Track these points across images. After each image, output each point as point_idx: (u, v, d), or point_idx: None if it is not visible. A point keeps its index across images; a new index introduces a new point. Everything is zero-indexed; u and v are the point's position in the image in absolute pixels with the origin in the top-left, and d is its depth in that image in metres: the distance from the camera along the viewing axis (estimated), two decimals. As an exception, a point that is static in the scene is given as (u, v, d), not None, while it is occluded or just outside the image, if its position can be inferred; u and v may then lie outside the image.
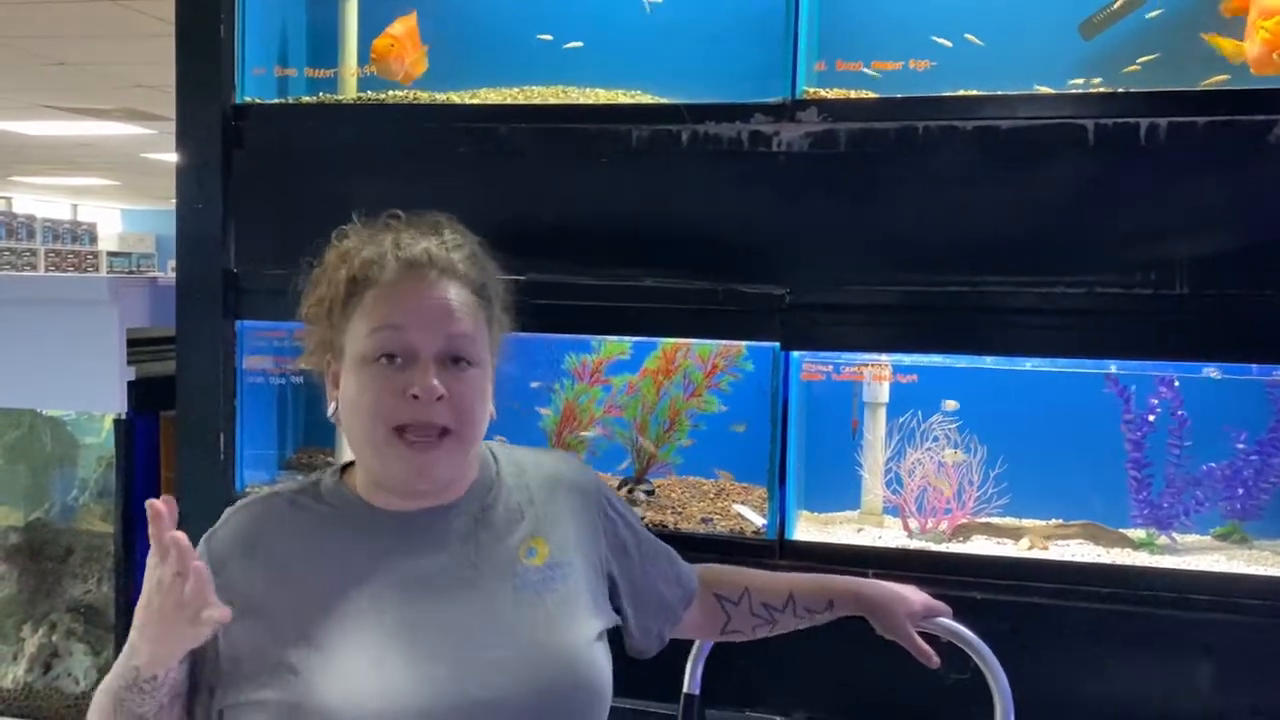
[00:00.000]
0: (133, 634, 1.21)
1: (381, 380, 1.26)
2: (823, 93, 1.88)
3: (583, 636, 1.30)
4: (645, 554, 1.46)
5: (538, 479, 1.40)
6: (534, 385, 2.16)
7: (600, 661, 1.31)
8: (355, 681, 1.20)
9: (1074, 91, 1.80)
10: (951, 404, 1.96)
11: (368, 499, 1.33)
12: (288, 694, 1.21)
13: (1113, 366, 1.89)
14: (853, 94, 1.87)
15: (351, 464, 1.38)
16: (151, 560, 1.15)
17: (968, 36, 1.93)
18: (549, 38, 2.10)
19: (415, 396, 1.24)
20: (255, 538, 1.31)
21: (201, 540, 1.31)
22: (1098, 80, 1.85)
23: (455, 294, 1.30)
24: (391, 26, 2.11)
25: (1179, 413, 1.89)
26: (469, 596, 1.28)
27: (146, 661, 1.19)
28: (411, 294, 1.29)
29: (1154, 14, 1.88)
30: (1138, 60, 1.85)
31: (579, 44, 2.09)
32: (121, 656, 1.24)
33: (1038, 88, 1.81)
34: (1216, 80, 1.78)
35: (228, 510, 1.36)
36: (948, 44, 1.91)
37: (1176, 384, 1.88)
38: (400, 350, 1.26)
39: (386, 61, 2.07)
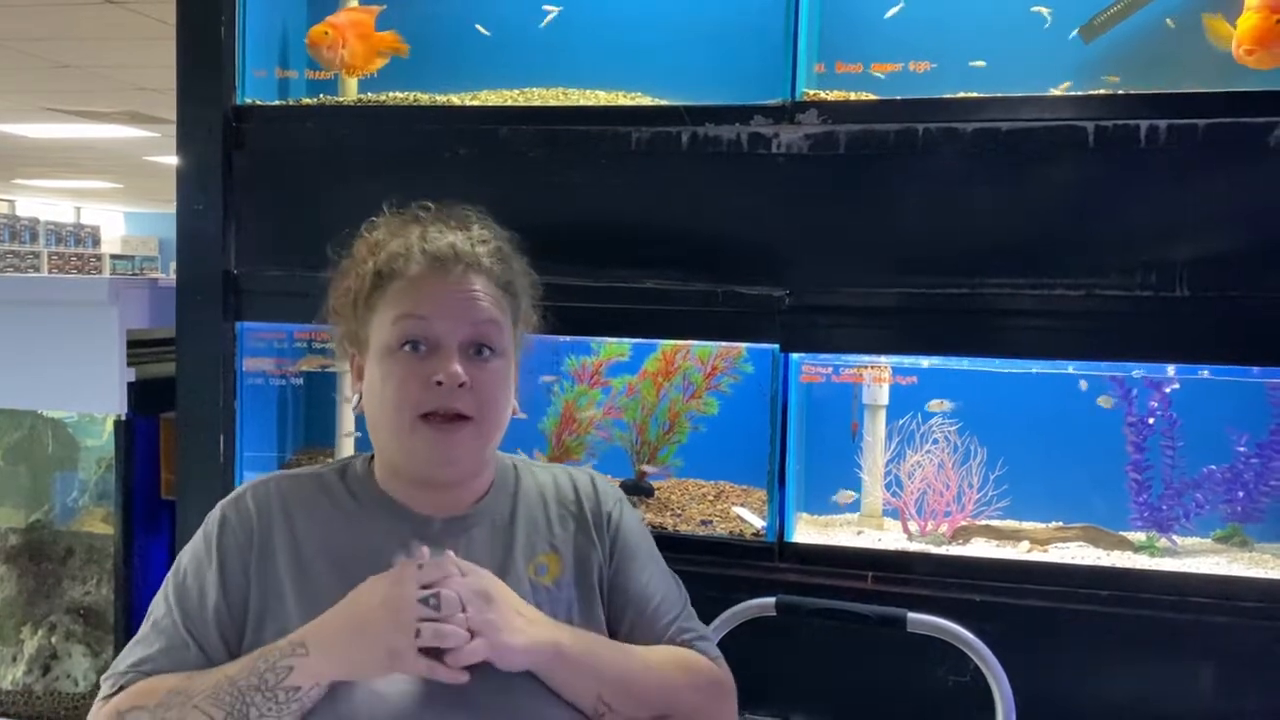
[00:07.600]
0: (303, 635, 1.19)
1: (405, 368, 1.27)
2: (822, 94, 1.87)
3: None
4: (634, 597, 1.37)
5: (555, 497, 1.39)
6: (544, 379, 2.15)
7: None
8: (374, 696, 1.19)
9: (1074, 94, 1.80)
10: (942, 404, 1.94)
11: (392, 495, 1.33)
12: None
13: (1106, 371, 1.89)
14: (852, 96, 1.87)
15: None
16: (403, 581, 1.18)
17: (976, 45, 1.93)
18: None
19: (439, 383, 1.25)
20: (286, 516, 1.31)
21: (242, 492, 1.34)
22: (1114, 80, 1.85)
23: (480, 286, 1.31)
24: (335, 15, 2.07)
25: (1169, 413, 1.89)
26: None
27: (309, 671, 1.16)
28: (436, 286, 1.29)
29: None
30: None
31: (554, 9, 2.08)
32: (262, 656, 1.19)
33: (1038, 91, 1.80)
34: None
35: (260, 477, 1.37)
36: (981, 64, 1.89)
37: (1169, 388, 1.88)
38: (424, 338, 1.27)
39: (320, 49, 2.03)
